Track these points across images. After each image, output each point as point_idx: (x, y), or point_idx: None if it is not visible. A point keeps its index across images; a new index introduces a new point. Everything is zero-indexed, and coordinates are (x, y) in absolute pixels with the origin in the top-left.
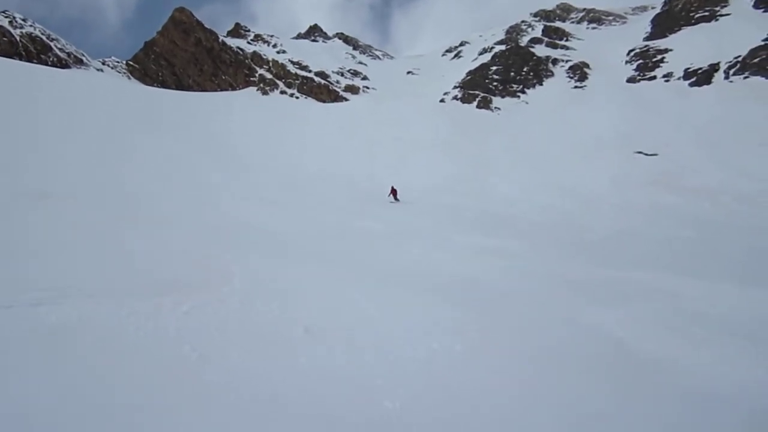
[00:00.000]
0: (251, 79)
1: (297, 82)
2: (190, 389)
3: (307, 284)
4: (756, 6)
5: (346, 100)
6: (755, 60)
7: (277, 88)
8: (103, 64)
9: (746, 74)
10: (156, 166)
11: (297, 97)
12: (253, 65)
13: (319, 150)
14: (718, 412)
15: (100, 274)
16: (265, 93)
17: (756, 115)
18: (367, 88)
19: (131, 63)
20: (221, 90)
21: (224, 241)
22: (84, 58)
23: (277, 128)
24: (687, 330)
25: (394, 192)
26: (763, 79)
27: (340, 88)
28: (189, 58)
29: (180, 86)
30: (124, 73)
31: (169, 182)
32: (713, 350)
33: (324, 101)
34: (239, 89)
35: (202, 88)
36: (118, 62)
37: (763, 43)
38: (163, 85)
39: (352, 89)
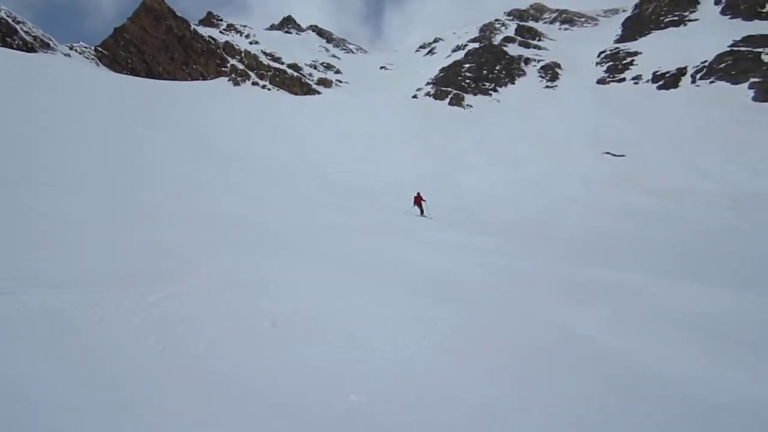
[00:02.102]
0: (223, 69)
1: (269, 73)
2: (153, 381)
3: (276, 277)
4: (723, 12)
5: (319, 93)
6: (721, 65)
7: (248, 79)
8: (71, 49)
9: (712, 79)
10: (125, 155)
11: (269, 89)
12: (225, 55)
13: (292, 142)
14: (680, 407)
15: (67, 265)
16: (236, 84)
17: (720, 120)
18: (340, 81)
19: (100, 49)
20: (192, 79)
21: (194, 232)
22: (51, 42)
23: (249, 119)
24: (654, 329)
25: (418, 201)
26: (728, 84)
27: (312, 80)
28: (160, 46)
29: (150, 74)
30: (93, 59)
31: (139, 172)
32: (680, 349)
33: (296, 94)
34: (210, 79)
35: (173, 77)
36: (86, 47)
37: (728, 49)
38: (133, 72)
39: (325, 82)
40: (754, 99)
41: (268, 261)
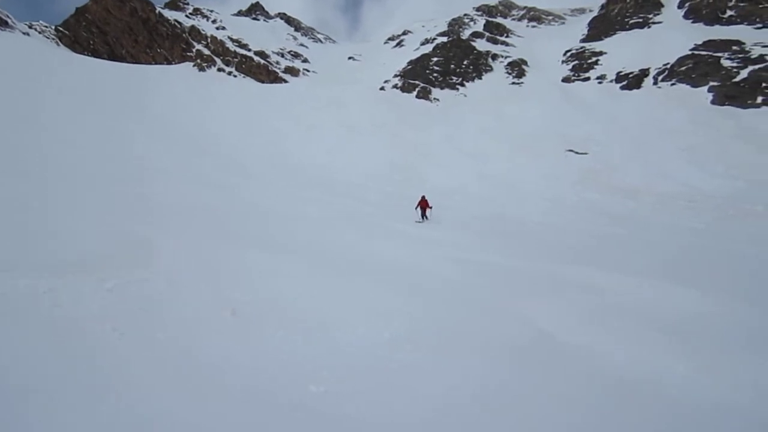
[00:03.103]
0: (188, 54)
1: (235, 60)
2: (109, 370)
3: (238, 266)
4: (686, 16)
5: (286, 81)
6: (682, 68)
7: (214, 65)
8: (30, 27)
9: (673, 81)
10: (86, 141)
11: (235, 76)
12: (191, 40)
13: (258, 132)
14: (631, 399)
15: (21, 250)
16: (202, 69)
17: (680, 121)
18: (308, 71)
19: (61, 29)
20: (156, 63)
21: (157, 220)
22: (9, 20)
23: (215, 107)
24: (609, 323)
25: (423, 205)
26: (689, 87)
27: (279, 69)
28: (123, 28)
29: (113, 57)
30: (53, 38)
31: (101, 159)
32: (633, 343)
33: (263, 81)
34: (175, 64)
35: (136, 60)
36: (46, 27)
37: (690, 52)
38: (95, 54)
39: (292, 71)
40: (713, 102)
41: (232, 250)
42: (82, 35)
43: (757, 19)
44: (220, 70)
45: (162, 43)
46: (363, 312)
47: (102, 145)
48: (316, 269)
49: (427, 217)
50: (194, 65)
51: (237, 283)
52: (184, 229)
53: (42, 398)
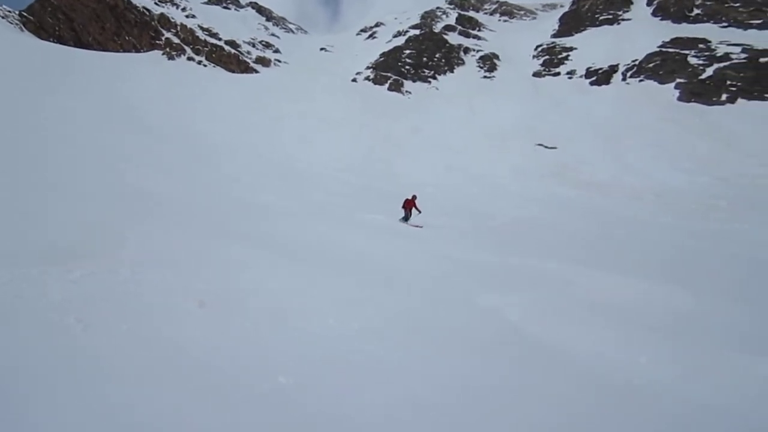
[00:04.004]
0: (157, 42)
1: (206, 49)
2: (70, 361)
3: (205, 257)
4: (654, 14)
5: (257, 72)
6: (650, 65)
7: (184, 54)
8: None
9: (641, 77)
10: (51, 127)
11: (205, 65)
12: (160, 28)
13: (228, 121)
14: (597, 391)
15: None
16: (171, 58)
17: (647, 117)
18: (279, 61)
19: (25, 14)
20: (124, 51)
21: (122, 210)
22: None
23: (184, 96)
24: (577, 316)
25: (409, 205)
26: (656, 83)
27: (250, 59)
28: (90, 15)
29: (79, 44)
30: (17, 24)
31: (66, 146)
32: (600, 336)
33: (233, 71)
34: (144, 52)
35: (104, 48)
36: (9, 12)
37: (657, 49)
38: (60, 41)
39: (263, 61)
40: (679, 99)
41: (199, 240)
42: (48, 21)
43: (723, 18)
44: (189, 59)
45: (130, 30)
46: (332, 303)
47: (65, 131)
48: (284, 260)
49: (407, 219)
50: (163, 54)
51: (204, 274)
52: (150, 218)
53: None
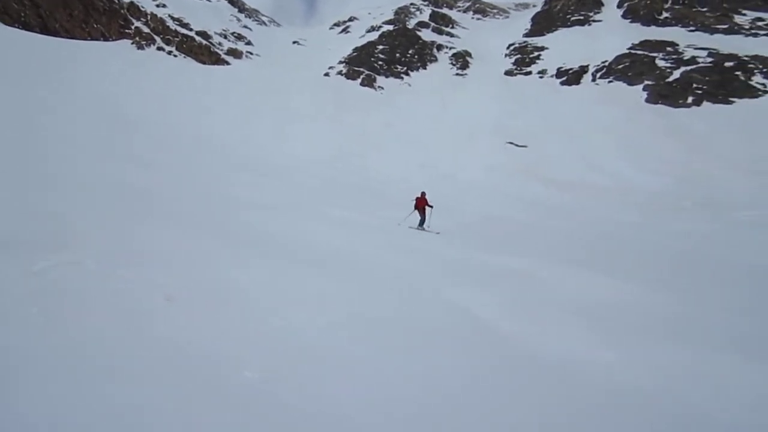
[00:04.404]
0: (126, 31)
1: (176, 39)
2: (33, 354)
3: (172, 250)
4: (624, 16)
5: (228, 63)
6: (619, 66)
7: (154, 44)
8: None
9: (611, 78)
10: (17, 116)
11: (175, 56)
12: (129, 16)
13: (197, 113)
14: (557, 382)
15: None
16: (140, 47)
17: (615, 117)
18: (251, 53)
19: None
20: (92, 39)
21: (90, 201)
22: None
23: (154, 86)
24: (540, 310)
25: (422, 204)
26: (625, 84)
27: (222, 50)
28: (57, 1)
29: (45, 30)
30: None
31: (33, 137)
32: (561, 329)
33: (204, 63)
34: (112, 41)
35: (71, 35)
36: None
37: (627, 51)
38: (26, 27)
39: (235, 53)
40: (647, 100)
41: (167, 233)
42: (13, 6)
43: (691, 22)
44: (159, 49)
45: (98, 18)
46: (299, 298)
47: (31, 120)
48: (251, 254)
49: (425, 220)
50: (132, 43)
51: (171, 268)
52: (115, 210)
53: None
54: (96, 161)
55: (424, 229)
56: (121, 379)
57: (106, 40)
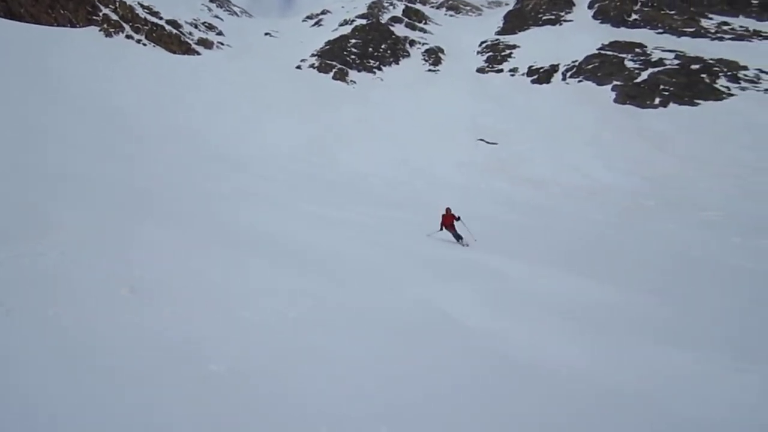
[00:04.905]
0: (94, 18)
1: (145, 28)
2: None
3: (139, 241)
4: (595, 17)
5: (198, 54)
6: (589, 66)
7: (122, 32)
8: None
9: (580, 78)
10: None
11: (144, 44)
12: (97, 3)
13: (165, 103)
14: (523, 374)
15: None
16: (108, 35)
17: (584, 117)
18: (222, 44)
19: None
20: (59, 25)
21: (54, 191)
22: None
23: (122, 75)
24: (507, 306)
25: (448, 221)
26: (594, 84)
27: (192, 40)
28: None
29: (9, 14)
30: None
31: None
32: (529, 325)
33: (174, 52)
34: (79, 27)
35: (37, 20)
36: None
37: (597, 51)
38: None
39: (206, 43)
40: (615, 101)
41: (132, 225)
42: None
43: (659, 24)
44: (128, 37)
45: (65, 4)
46: (268, 291)
47: None
48: (220, 247)
49: (460, 235)
50: (100, 30)
51: (137, 260)
52: (81, 201)
53: None
54: (58, 151)
55: (462, 245)
56: (79, 372)
57: (73, 26)
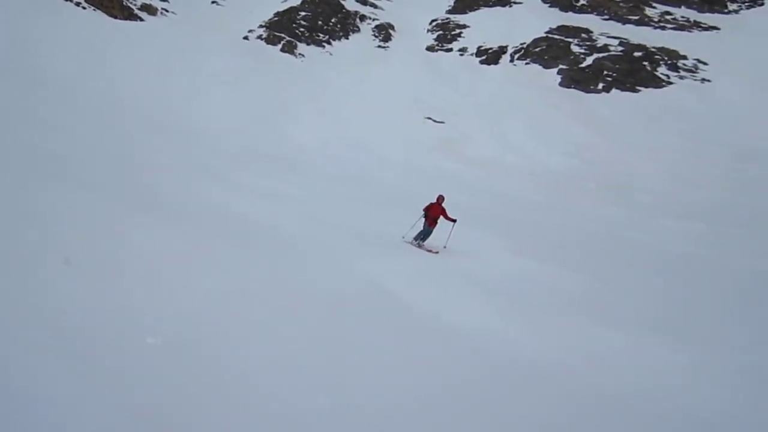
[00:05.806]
0: None
1: None
2: None
3: (75, 213)
4: (543, 0)
5: (142, 20)
6: (536, 49)
7: None
8: None
9: (528, 60)
10: None
11: (84, 8)
12: None
13: (104, 72)
14: (465, 349)
15: None
16: None
17: (530, 99)
18: (166, 10)
19: None
20: None
21: None
22: None
23: (59, 39)
24: (449, 286)
25: (436, 214)
26: (541, 67)
27: (135, 5)
28: None
29: None
30: None
31: None
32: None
33: (116, 17)
34: None
35: None
36: None
37: (544, 35)
38: None
39: (150, 9)
40: (560, 84)
41: (68, 195)
42: None
43: (605, 11)
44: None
45: None
46: (206, 265)
47: None
48: (159, 219)
49: (426, 236)
50: None
51: (71, 231)
52: (17, 173)
53: None
54: None
55: (420, 246)
56: (12, 346)
57: None
